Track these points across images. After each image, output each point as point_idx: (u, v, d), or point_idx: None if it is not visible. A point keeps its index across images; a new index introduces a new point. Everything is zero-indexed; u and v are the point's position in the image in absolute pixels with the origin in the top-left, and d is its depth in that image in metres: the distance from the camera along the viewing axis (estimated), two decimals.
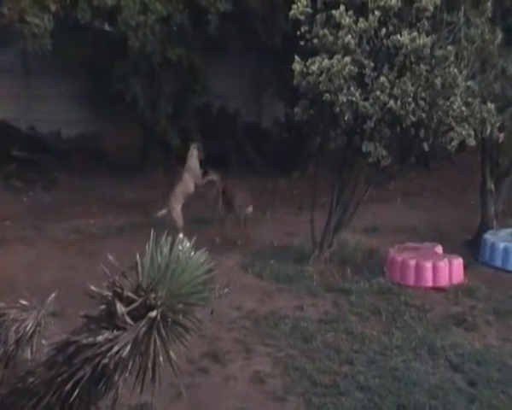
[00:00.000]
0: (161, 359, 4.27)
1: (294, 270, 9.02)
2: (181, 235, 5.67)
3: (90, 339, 4.21)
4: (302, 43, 8.46)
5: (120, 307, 4.25)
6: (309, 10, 8.38)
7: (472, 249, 9.69)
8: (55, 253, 9.82)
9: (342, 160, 9.17)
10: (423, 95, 7.97)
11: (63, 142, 14.35)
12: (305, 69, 8.32)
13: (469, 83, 8.09)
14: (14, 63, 13.24)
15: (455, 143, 8.02)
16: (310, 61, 8.26)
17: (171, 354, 4.32)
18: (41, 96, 14.15)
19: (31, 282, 8.34)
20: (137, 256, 4.88)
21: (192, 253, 4.76)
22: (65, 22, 10.66)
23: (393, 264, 8.77)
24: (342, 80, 8.01)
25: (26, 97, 14.33)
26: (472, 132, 8.05)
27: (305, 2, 8.39)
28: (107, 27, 11.53)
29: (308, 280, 8.71)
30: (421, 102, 7.97)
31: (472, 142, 8.29)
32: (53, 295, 5.83)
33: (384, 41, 7.98)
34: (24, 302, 5.80)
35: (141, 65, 12.76)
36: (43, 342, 5.64)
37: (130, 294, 4.32)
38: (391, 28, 8.00)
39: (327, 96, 8.10)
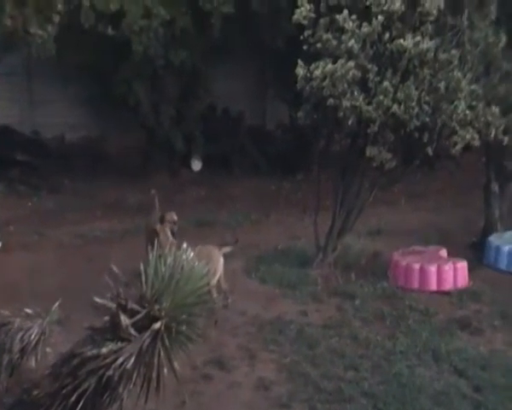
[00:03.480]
0: (165, 370, 4.28)
1: (298, 274, 9.00)
2: (185, 244, 5.67)
3: (95, 351, 4.23)
4: (305, 47, 8.45)
5: (125, 319, 4.26)
6: (312, 15, 8.36)
7: (476, 252, 9.64)
8: (58, 258, 9.82)
9: (346, 163, 9.15)
10: (427, 99, 7.95)
11: (67, 146, 14.36)
12: (308, 74, 8.30)
13: (473, 86, 8.06)
14: (17, 67, 13.24)
15: (459, 147, 8.00)
16: (313, 65, 8.24)
17: (175, 364, 4.32)
18: (44, 101, 14.15)
19: (35, 288, 8.35)
20: (141, 266, 4.90)
21: (196, 263, 4.77)
22: (68, 27, 10.65)
23: (398, 268, 8.75)
24: (346, 85, 7.99)
25: (30, 102, 14.33)
26: (476, 136, 8.03)
27: (308, 7, 8.37)
28: (110, 31, 11.48)
29: (312, 285, 8.70)
30: (425, 106, 7.95)
31: (477, 142, 8.26)
32: (57, 303, 5.86)
33: (387, 45, 7.95)
34: (28, 311, 5.82)
35: (144, 69, 12.77)
36: (48, 350, 5.67)
37: (135, 305, 4.33)
38: (394, 32, 7.97)
39: (330, 101, 8.09)
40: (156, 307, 4.36)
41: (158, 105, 13.35)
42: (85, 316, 5.76)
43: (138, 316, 4.30)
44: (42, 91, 14.19)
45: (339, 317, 7.84)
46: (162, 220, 8.33)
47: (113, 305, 4.37)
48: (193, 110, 13.77)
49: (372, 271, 9.04)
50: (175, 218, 8.28)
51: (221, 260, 7.87)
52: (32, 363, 5.55)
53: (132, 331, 4.27)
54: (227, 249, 8.09)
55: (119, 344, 4.23)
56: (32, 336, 5.61)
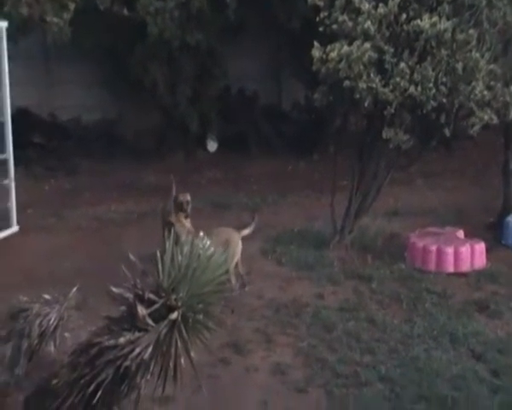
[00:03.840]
0: (183, 360, 4.30)
1: (315, 256, 9.00)
2: (201, 233, 5.67)
3: (112, 341, 4.25)
4: (321, 28, 8.38)
5: (141, 310, 4.28)
6: None
7: (494, 232, 9.58)
8: (75, 241, 9.89)
9: (362, 145, 9.10)
10: (444, 80, 7.87)
11: (83, 127, 14.40)
12: (324, 56, 8.24)
13: (491, 66, 7.96)
14: (34, 50, 13.25)
15: (476, 128, 7.93)
16: (329, 47, 8.17)
17: (192, 354, 4.35)
18: (61, 83, 14.19)
19: (52, 272, 8.43)
20: (158, 254, 4.90)
21: (213, 250, 4.77)
22: (84, 9, 10.63)
23: (414, 249, 8.72)
24: (362, 67, 7.92)
25: (47, 84, 14.36)
26: (494, 117, 7.95)
27: None
28: (126, 13, 11.46)
29: (329, 267, 8.69)
30: (442, 88, 7.86)
31: (495, 121, 8.18)
32: (75, 288, 5.88)
33: (404, 26, 7.86)
34: (47, 296, 5.85)
35: (160, 50, 12.76)
36: (66, 334, 5.71)
37: (152, 295, 4.35)
38: (411, 13, 7.88)
39: (347, 82, 8.03)
40: (173, 296, 4.36)
41: (174, 86, 13.36)
42: (102, 300, 5.80)
43: (155, 306, 4.32)
44: (59, 74, 14.22)
45: (355, 299, 7.83)
46: (175, 201, 8.32)
47: (130, 295, 4.39)
48: (208, 91, 13.77)
49: (389, 252, 9.01)
50: (188, 198, 8.27)
51: (240, 243, 7.88)
52: (51, 348, 5.58)
53: (149, 321, 4.28)
54: (246, 232, 8.07)
55: (137, 334, 4.25)
56: (51, 322, 5.63)
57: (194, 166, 13.62)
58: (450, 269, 8.46)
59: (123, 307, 4.43)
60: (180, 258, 4.61)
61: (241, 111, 14.43)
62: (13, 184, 10.11)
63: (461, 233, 9.10)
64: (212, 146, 14.41)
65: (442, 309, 7.49)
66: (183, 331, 4.37)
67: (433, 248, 8.54)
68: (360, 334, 7.00)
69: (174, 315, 4.30)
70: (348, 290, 8.07)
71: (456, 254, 8.48)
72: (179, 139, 14.00)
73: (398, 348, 6.71)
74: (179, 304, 4.36)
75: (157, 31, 12.04)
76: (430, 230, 9.23)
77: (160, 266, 4.65)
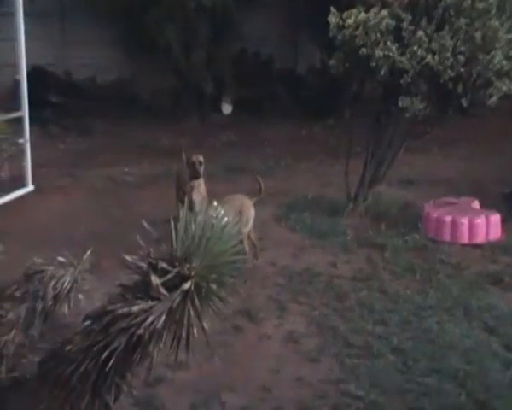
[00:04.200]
0: (195, 330, 4.31)
1: (328, 224, 8.98)
2: (215, 202, 5.65)
3: (126, 309, 4.25)
4: None
5: (155, 279, 4.28)
6: None
7: (510, 203, 9.50)
8: (90, 202, 9.91)
9: (377, 113, 9.03)
10: (462, 49, 7.76)
11: (99, 87, 14.37)
12: (340, 22, 8.14)
13: (511, 36, 7.84)
14: (49, 9, 13.18)
15: (494, 99, 7.84)
16: (346, 13, 8.08)
17: (205, 324, 4.36)
18: (77, 42, 14.15)
19: (67, 233, 8.45)
20: (171, 222, 4.89)
21: (225, 219, 4.75)
22: None
23: (429, 220, 8.68)
24: (379, 34, 7.83)
25: (63, 43, 14.32)
26: None
27: None
28: None
29: (342, 235, 8.67)
30: (460, 57, 7.76)
31: None
32: (89, 252, 5.90)
33: None
34: (61, 259, 5.88)
35: (175, 11, 12.66)
36: (80, 296, 5.75)
37: (165, 265, 4.34)
38: None
39: (363, 50, 7.94)
40: (186, 266, 4.35)
41: (189, 48, 13.28)
42: (116, 264, 5.84)
43: (169, 276, 4.31)
44: (74, 32, 14.18)
45: (368, 269, 7.81)
46: (188, 163, 8.29)
47: (143, 264, 4.40)
48: (224, 53, 13.71)
49: (403, 221, 8.97)
50: (201, 159, 8.22)
51: (253, 210, 7.86)
52: (65, 310, 5.64)
53: (163, 290, 4.28)
54: (257, 198, 8.05)
55: (150, 303, 4.25)
56: (65, 284, 5.66)
57: (208, 129, 13.60)
58: (465, 240, 8.42)
59: (136, 277, 4.42)
60: (194, 227, 4.59)
61: (256, 74, 14.37)
62: (28, 144, 10.12)
63: (476, 204, 9.04)
64: (226, 109, 14.36)
65: (456, 281, 7.45)
66: (196, 301, 4.36)
67: (448, 218, 8.49)
68: (373, 304, 6.98)
69: (187, 285, 4.29)
70: (361, 259, 8.05)
71: (471, 225, 8.43)
72: (194, 101, 13.97)
73: (410, 319, 6.69)
74: (192, 274, 4.35)
75: None
76: (445, 200, 9.17)
77: (173, 234, 4.64)
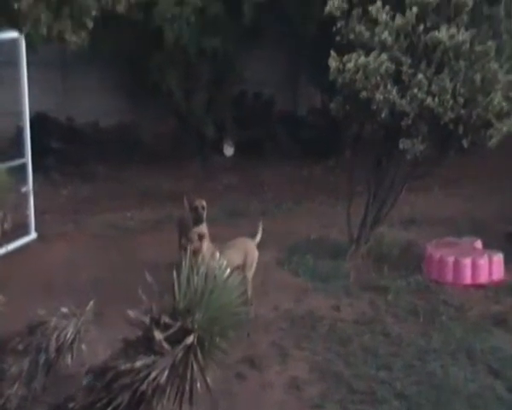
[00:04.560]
0: (198, 384, 4.31)
1: (331, 266, 8.98)
2: (218, 254, 5.67)
3: (128, 365, 4.26)
4: (338, 38, 8.36)
5: (158, 334, 4.29)
6: (345, 6, 8.26)
7: None
8: (93, 249, 9.91)
9: (379, 154, 9.07)
10: (462, 91, 7.82)
11: (101, 132, 14.44)
12: (341, 66, 8.22)
13: (510, 77, 7.90)
14: (51, 57, 13.28)
15: (495, 140, 7.88)
16: (346, 57, 8.15)
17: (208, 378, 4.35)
18: (79, 88, 14.22)
19: (70, 282, 8.47)
20: (174, 274, 4.91)
21: (228, 271, 4.77)
22: (102, 16, 10.67)
23: (431, 260, 8.68)
24: (379, 78, 7.90)
25: (65, 89, 14.41)
26: None
27: None
28: (143, 19, 11.50)
29: (345, 278, 8.67)
30: (460, 99, 7.82)
31: None
32: (91, 302, 5.92)
33: (422, 37, 7.83)
34: (64, 310, 5.90)
35: (176, 56, 12.75)
36: (83, 347, 5.75)
37: (168, 319, 4.35)
38: (429, 24, 7.84)
39: (363, 93, 8.01)
40: (189, 319, 4.37)
41: (190, 92, 13.35)
42: (119, 312, 5.84)
43: (171, 330, 4.32)
44: (76, 78, 14.24)
45: (371, 312, 7.80)
46: (191, 207, 8.33)
47: (146, 319, 4.40)
48: (225, 96, 13.77)
49: (405, 263, 8.97)
50: (203, 204, 8.27)
51: (256, 252, 7.88)
52: (68, 361, 5.64)
53: (165, 345, 4.29)
54: (258, 238, 8.06)
55: (153, 358, 4.26)
56: (68, 335, 5.68)
57: (210, 172, 13.63)
58: (468, 281, 8.41)
59: (139, 333, 4.43)
60: (196, 279, 4.61)
61: (257, 116, 14.43)
62: (31, 192, 10.16)
63: (478, 243, 9.04)
64: (228, 151, 14.41)
65: (459, 323, 7.45)
66: (199, 355, 4.38)
67: (451, 259, 8.50)
68: (376, 348, 6.98)
69: (190, 339, 4.31)
70: (364, 302, 8.04)
71: (474, 266, 8.43)
72: (196, 144, 14.01)
73: (414, 363, 6.68)
74: (195, 327, 4.37)
75: (173, 37, 12.08)
76: (447, 240, 9.18)
77: (176, 286, 4.65)
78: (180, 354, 4.29)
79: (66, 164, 13.32)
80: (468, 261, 8.46)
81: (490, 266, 8.49)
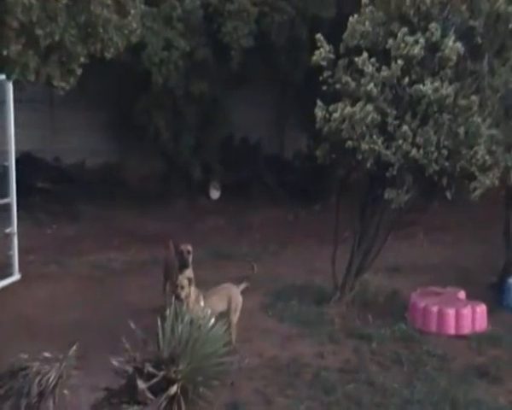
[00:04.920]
0: None
1: (315, 313, 8.97)
2: (202, 303, 5.69)
3: None
4: (325, 87, 8.46)
5: (141, 384, 4.28)
6: (331, 56, 8.38)
7: (496, 293, 9.55)
8: (77, 290, 9.87)
9: (364, 203, 9.13)
10: (446, 143, 7.91)
11: (87, 172, 14.48)
12: (327, 115, 8.32)
13: (493, 131, 8.02)
14: (39, 95, 13.35)
15: (478, 192, 7.95)
16: (332, 107, 8.25)
17: None
18: (65, 127, 14.30)
19: (53, 324, 8.41)
20: (158, 322, 4.91)
21: (212, 321, 4.78)
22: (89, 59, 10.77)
23: (415, 310, 8.70)
24: (365, 128, 7.99)
25: (51, 128, 14.47)
26: (496, 181, 8.00)
27: (327, 48, 8.39)
28: (131, 62, 11.60)
29: (329, 324, 8.66)
30: (444, 151, 7.91)
31: (496, 184, 8.22)
32: (74, 347, 5.89)
33: (407, 89, 7.94)
34: (47, 354, 5.87)
35: (164, 98, 12.90)
36: (65, 392, 5.72)
37: (151, 369, 4.35)
38: (414, 76, 7.94)
39: (349, 143, 8.09)
40: (173, 369, 4.37)
41: (177, 134, 13.47)
42: (102, 357, 5.81)
43: (155, 379, 4.32)
44: (63, 118, 14.34)
45: (355, 360, 7.78)
46: (177, 251, 8.34)
47: (129, 368, 4.39)
48: (212, 139, 13.91)
49: (390, 311, 8.99)
50: (189, 248, 8.29)
51: (240, 297, 7.89)
52: (50, 405, 5.60)
53: (149, 395, 4.28)
54: (243, 286, 8.08)
55: (136, 408, 4.25)
56: (50, 380, 5.66)
57: (196, 214, 13.68)
58: (452, 331, 8.42)
59: (123, 381, 4.41)
60: (181, 328, 4.61)
61: (243, 159, 14.55)
62: (15, 232, 10.13)
63: (462, 294, 9.08)
64: (214, 194, 14.50)
65: (443, 373, 7.44)
66: (183, 404, 4.36)
67: (434, 309, 8.52)
68: (360, 397, 6.94)
69: (174, 389, 4.30)
70: (348, 350, 8.03)
71: (458, 316, 8.45)
72: (182, 186, 14.09)
73: None
74: (179, 377, 4.37)
75: (161, 80, 12.22)
76: (431, 289, 9.21)
77: (160, 334, 4.66)
78: (164, 404, 4.28)
79: (51, 203, 13.34)
80: (451, 311, 8.49)
81: (473, 317, 8.51)
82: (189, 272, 8.09)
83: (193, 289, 7.48)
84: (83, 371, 6.05)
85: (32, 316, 8.77)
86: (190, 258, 8.25)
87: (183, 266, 8.15)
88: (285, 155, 15.44)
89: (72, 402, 5.85)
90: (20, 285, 9.96)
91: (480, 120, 7.79)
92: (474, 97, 7.80)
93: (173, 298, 7.05)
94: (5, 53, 6.43)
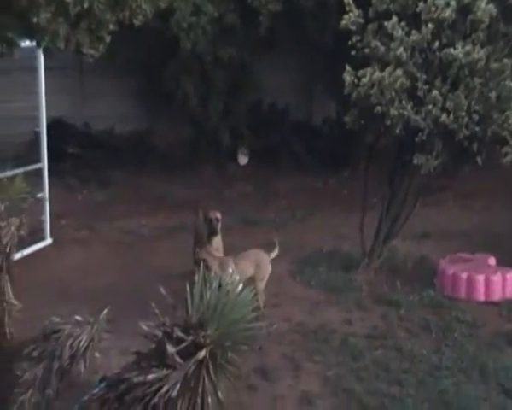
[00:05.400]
0: (210, 399, 4.34)
1: (343, 279, 8.99)
2: (230, 269, 5.72)
3: (141, 378, 4.30)
4: (353, 52, 8.37)
5: (170, 348, 4.33)
6: (360, 20, 8.28)
7: None
8: (107, 255, 10.00)
9: (392, 169, 9.07)
10: (477, 108, 7.81)
11: (116, 138, 14.52)
12: (356, 80, 8.24)
13: None
14: (68, 63, 13.37)
15: (509, 158, 7.84)
16: (361, 72, 8.17)
17: (219, 393, 4.39)
18: (95, 94, 14.32)
19: (84, 288, 8.56)
20: (187, 288, 4.94)
21: (241, 286, 4.81)
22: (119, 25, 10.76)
23: (444, 276, 8.67)
24: (394, 93, 7.91)
25: (81, 95, 14.52)
26: None
27: (356, 12, 8.29)
28: (159, 28, 11.57)
29: (357, 291, 8.68)
30: (475, 116, 7.82)
31: None
32: (105, 311, 5.97)
33: (437, 54, 7.83)
34: (78, 318, 5.96)
35: (192, 64, 12.86)
36: (97, 354, 5.82)
37: (180, 333, 4.39)
38: (444, 40, 7.83)
39: (378, 108, 8.02)
40: (201, 334, 4.41)
41: (206, 99, 13.43)
42: (132, 320, 5.89)
43: (183, 344, 4.36)
44: (93, 84, 14.35)
45: (383, 327, 7.80)
46: (205, 219, 8.38)
47: (159, 332, 4.45)
48: (240, 105, 13.84)
49: (418, 277, 8.98)
50: (218, 215, 8.33)
51: (269, 265, 7.93)
52: (81, 368, 5.69)
53: (178, 359, 4.33)
54: (274, 254, 8.10)
55: (165, 371, 4.30)
56: (82, 343, 5.74)
57: (225, 180, 13.69)
58: (481, 298, 8.39)
59: (152, 346, 4.47)
60: (209, 294, 4.65)
61: (272, 125, 14.46)
62: (47, 197, 10.24)
63: (492, 260, 9.01)
64: (242, 160, 14.47)
65: (472, 340, 7.43)
66: (211, 369, 4.41)
67: (464, 275, 8.49)
68: (388, 363, 6.98)
69: (202, 354, 4.35)
70: (376, 317, 8.05)
71: (487, 283, 8.41)
72: (211, 152, 14.07)
73: (426, 380, 6.67)
74: (207, 342, 4.41)
75: (190, 45, 12.17)
76: (460, 255, 9.15)
77: (189, 300, 4.69)
78: (192, 368, 4.33)
79: (81, 169, 13.43)
80: (481, 278, 8.45)
81: (503, 283, 8.47)
82: (217, 240, 8.14)
83: (221, 256, 7.53)
84: (113, 334, 6.13)
85: (63, 280, 8.92)
86: (219, 225, 8.29)
87: (212, 233, 8.20)
88: (313, 121, 15.31)
89: (103, 365, 5.95)
90: (51, 250, 10.11)
91: None
92: (506, 61, 7.67)
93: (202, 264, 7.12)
94: (35, 20, 6.45)
